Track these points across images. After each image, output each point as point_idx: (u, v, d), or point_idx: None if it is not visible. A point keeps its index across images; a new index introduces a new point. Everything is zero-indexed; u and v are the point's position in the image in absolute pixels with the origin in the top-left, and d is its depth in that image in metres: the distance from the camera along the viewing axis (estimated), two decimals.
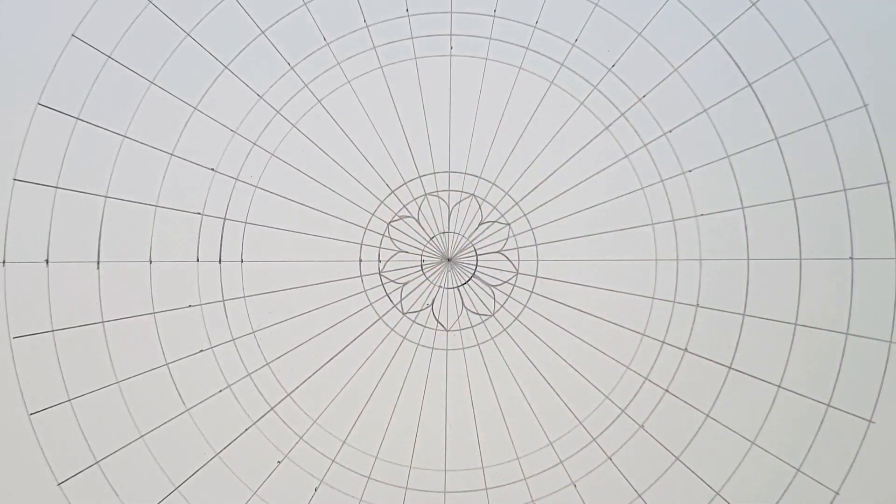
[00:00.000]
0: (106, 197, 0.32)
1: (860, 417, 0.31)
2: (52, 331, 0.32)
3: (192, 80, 0.32)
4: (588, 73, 0.32)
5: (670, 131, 0.32)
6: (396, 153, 0.32)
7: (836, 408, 0.31)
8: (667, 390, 0.31)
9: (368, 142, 0.32)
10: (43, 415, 0.31)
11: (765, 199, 0.31)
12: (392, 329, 0.32)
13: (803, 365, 0.31)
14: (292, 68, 0.33)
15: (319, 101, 0.33)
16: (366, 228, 0.32)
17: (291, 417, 0.31)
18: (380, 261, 0.32)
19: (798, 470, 0.30)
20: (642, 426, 0.31)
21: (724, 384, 0.31)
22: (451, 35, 0.33)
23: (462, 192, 0.32)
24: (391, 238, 0.32)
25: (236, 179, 0.32)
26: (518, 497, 0.31)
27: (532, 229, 0.32)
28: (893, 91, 0.31)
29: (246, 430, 0.31)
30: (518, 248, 0.32)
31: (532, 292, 0.32)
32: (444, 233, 0.32)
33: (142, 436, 0.31)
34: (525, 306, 0.32)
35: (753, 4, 0.32)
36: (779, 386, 0.31)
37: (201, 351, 0.32)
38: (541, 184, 0.32)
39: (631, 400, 0.31)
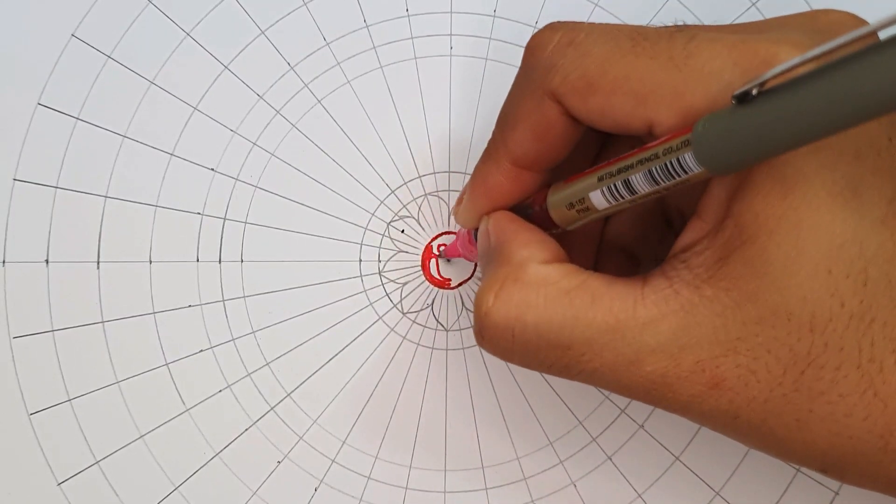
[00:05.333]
0: (106, 197, 0.32)
1: None
2: (52, 331, 0.32)
3: (191, 80, 0.32)
4: None
5: None
6: (396, 153, 0.32)
7: None
8: None
9: (368, 142, 0.32)
10: (43, 415, 0.31)
11: None
12: (392, 329, 0.32)
13: None
14: (292, 68, 0.33)
15: (319, 101, 0.33)
16: (366, 228, 0.32)
17: (291, 417, 0.31)
18: (380, 261, 0.32)
19: (798, 470, 0.30)
20: (642, 426, 0.31)
21: None
22: (451, 35, 0.33)
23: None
24: (391, 238, 0.32)
25: (236, 179, 0.32)
26: (518, 497, 0.31)
27: None
28: None
29: (246, 430, 0.31)
30: None
31: None
32: (444, 232, 0.32)
33: (142, 436, 0.31)
34: None
35: (753, 4, 0.32)
36: None
37: (201, 351, 0.32)
38: None
39: (631, 400, 0.31)
